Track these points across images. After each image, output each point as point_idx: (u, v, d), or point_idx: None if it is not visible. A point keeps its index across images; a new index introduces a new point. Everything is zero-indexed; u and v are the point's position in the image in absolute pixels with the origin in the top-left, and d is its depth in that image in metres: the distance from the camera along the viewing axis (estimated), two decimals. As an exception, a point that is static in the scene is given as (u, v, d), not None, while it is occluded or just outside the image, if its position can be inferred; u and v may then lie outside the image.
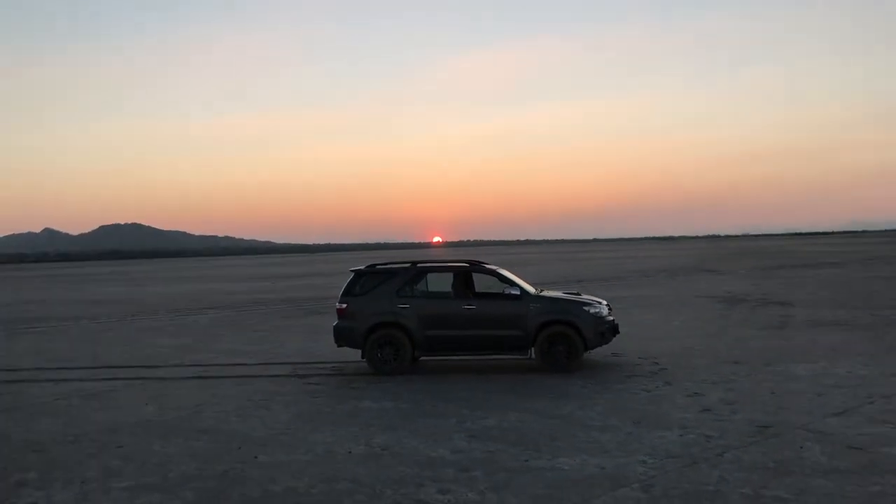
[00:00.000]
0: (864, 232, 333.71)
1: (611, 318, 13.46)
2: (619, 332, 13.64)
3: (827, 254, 68.57)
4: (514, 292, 13.19)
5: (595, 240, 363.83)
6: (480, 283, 14.25)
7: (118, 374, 14.47)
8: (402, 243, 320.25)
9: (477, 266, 13.92)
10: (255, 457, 8.52)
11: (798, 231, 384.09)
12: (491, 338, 13.20)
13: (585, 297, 13.90)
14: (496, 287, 13.76)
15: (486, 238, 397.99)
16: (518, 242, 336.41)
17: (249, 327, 22.24)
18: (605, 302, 13.67)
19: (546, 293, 13.81)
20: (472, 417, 9.99)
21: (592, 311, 13.17)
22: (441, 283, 13.88)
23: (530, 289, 13.60)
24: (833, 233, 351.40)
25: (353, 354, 14.10)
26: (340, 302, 13.71)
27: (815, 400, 10.37)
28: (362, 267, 14.22)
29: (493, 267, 13.97)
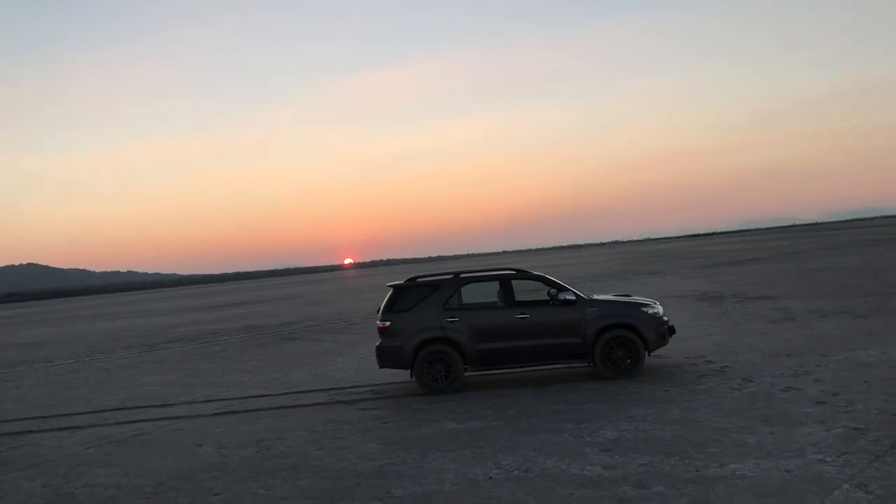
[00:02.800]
0: (754, 230, 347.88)
1: (666, 318, 13.03)
2: (675, 333, 13.20)
3: (741, 251, 70.56)
4: (569, 297, 12.61)
5: (505, 252, 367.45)
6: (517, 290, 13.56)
7: (131, 417, 13.18)
8: (314, 267, 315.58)
9: (524, 273, 13.27)
10: (389, 492, 7.62)
11: (695, 232, 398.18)
12: (548, 347, 12.56)
13: (638, 297, 13.43)
14: (533, 294, 13.15)
15: (397, 256, 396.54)
16: (430, 259, 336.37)
17: (231, 358, 20.91)
18: (658, 302, 13.23)
19: (598, 296, 13.26)
20: (584, 430, 9.33)
21: (651, 311, 12.72)
22: (481, 293, 13.16)
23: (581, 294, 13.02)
24: (726, 232, 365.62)
25: (382, 375, 13.24)
26: (382, 320, 12.82)
27: (919, 384, 10.14)
28: (401, 281, 13.37)
29: (540, 273, 13.34)
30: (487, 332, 12.56)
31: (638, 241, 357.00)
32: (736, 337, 15.93)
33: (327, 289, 75.80)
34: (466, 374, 12.82)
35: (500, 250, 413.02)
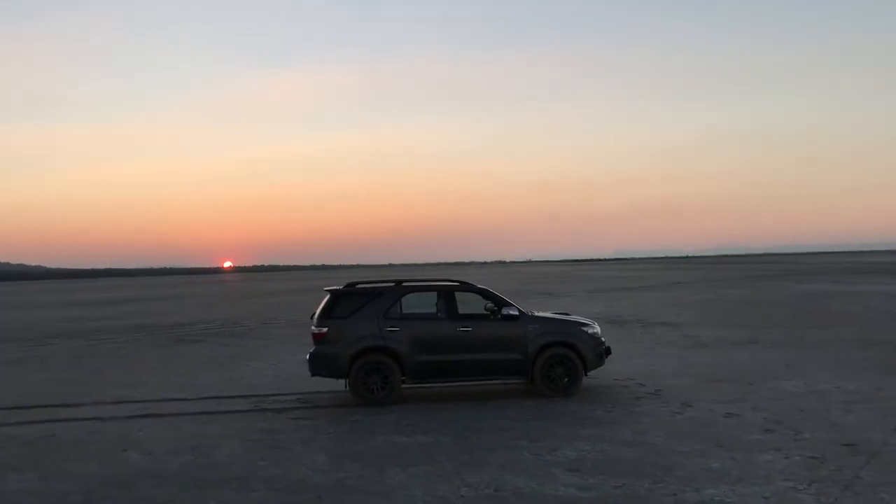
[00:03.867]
0: (630, 259, 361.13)
1: (604, 339, 13.07)
2: (611, 353, 13.25)
3: (627, 278, 72.73)
4: (512, 312, 12.46)
5: (391, 265, 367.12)
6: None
7: (35, 417, 12.13)
8: (191, 268, 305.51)
9: (467, 285, 13.04)
10: (357, 508, 7.18)
11: (575, 258, 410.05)
12: (489, 362, 12.36)
13: (577, 317, 13.43)
14: (471, 307, 12.94)
15: (280, 262, 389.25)
16: (315, 267, 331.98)
17: (128, 358, 19.74)
18: (595, 322, 13.26)
19: (539, 313, 13.18)
20: (541, 449, 9.14)
21: (590, 331, 12.73)
22: (422, 303, 12.85)
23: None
24: (604, 259, 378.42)
25: (305, 384, 12.92)
26: (318, 326, 12.30)
27: (856, 414, 10.48)
28: (339, 287, 12.88)
29: (483, 287, 13.13)
30: (428, 344, 12.25)
31: (522, 262, 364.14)
32: (656, 360, 16.20)
33: (211, 291, 73.48)
34: (403, 385, 12.43)
35: (386, 262, 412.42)
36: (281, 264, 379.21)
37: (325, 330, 12.21)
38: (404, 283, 12.82)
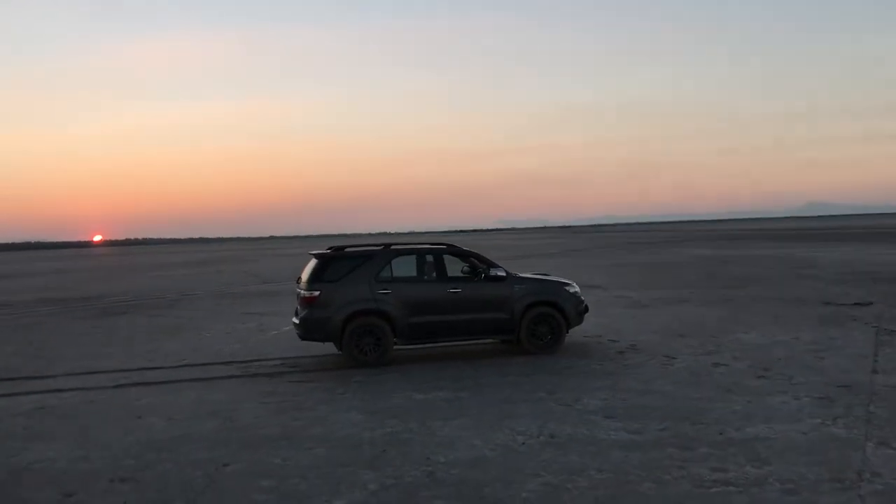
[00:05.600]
0: (513, 229, 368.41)
1: (583, 297, 13.60)
2: (588, 311, 13.81)
3: (531, 246, 74.40)
4: (499, 274, 12.78)
5: (273, 237, 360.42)
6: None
7: (8, 389, 11.60)
8: (58, 242, 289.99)
9: (454, 248, 13.26)
10: (428, 458, 7.37)
11: (458, 228, 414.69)
12: (478, 321, 12.67)
13: (556, 277, 13.91)
14: (451, 270, 13.19)
15: (153, 236, 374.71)
16: (192, 241, 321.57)
17: (64, 331, 18.94)
18: (575, 283, 13.77)
19: (523, 274, 13.57)
20: (565, 400, 9.52)
21: (571, 290, 13.23)
22: (410, 266, 12.98)
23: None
24: (488, 230, 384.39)
25: (277, 349, 13.13)
26: (309, 289, 12.24)
27: (829, 361, 11.37)
28: (326, 250, 12.84)
29: (470, 249, 13.39)
30: (419, 306, 12.42)
31: (405, 232, 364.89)
32: (610, 320, 16.89)
33: (92, 265, 70.30)
34: (395, 347, 12.57)
35: (266, 235, 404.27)
36: (155, 237, 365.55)
37: (316, 294, 12.17)
38: (393, 247, 12.90)
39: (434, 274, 12.80)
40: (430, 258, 12.91)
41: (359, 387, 10.85)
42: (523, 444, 7.73)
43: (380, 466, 7.14)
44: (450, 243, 13.62)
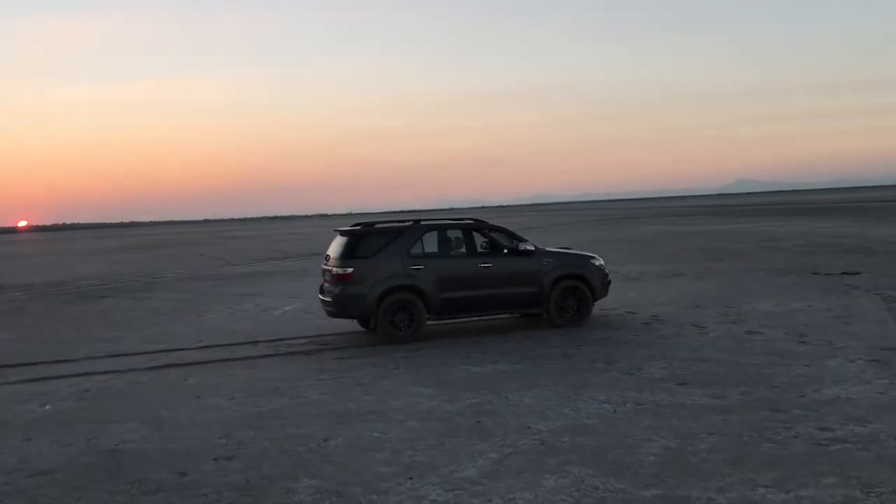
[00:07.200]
0: (456, 208, 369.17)
1: (607, 270, 13.78)
2: (611, 284, 13.99)
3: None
4: (528, 248, 12.84)
5: (206, 220, 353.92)
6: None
7: (38, 374, 11.24)
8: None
9: (482, 223, 13.26)
10: (528, 427, 7.41)
11: (399, 209, 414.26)
12: (509, 296, 12.73)
13: (579, 251, 14.06)
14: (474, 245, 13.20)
15: (84, 221, 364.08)
16: (124, 224, 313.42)
17: (54, 315, 18.39)
18: (598, 256, 13.93)
19: (550, 248, 13.66)
20: (626, 369, 9.66)
21: (597, 263, 13.38)
22: (440, 241, 12.93)
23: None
24: (430, 209, 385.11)
25: (297, 328, 13.39)
26: (342, 266, 12.10)
27: (857, 326, 11.74)
28: (357, 227, 12.71)
29: (498, 224, 13.44)
30: (452, 281, 12.42)
31: (342, 214, 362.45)
32: (616, 294, 17.00)
33: (30, 251, 68.04)
34: (427, 322, 12.55)
35: (200, 218, 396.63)
36: (84, 223, 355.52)
37: (350, 270, 12.04)
38: (422, 222, 12.85)
39: (463, 249, 12.79)
40: (459, 233, 12.89)
41: (408, 362, 10.81)
42: (615, 411, 7.82)
43: (486, 437, 7.15)
44: (476, 218, 13.60)
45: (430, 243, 12.66)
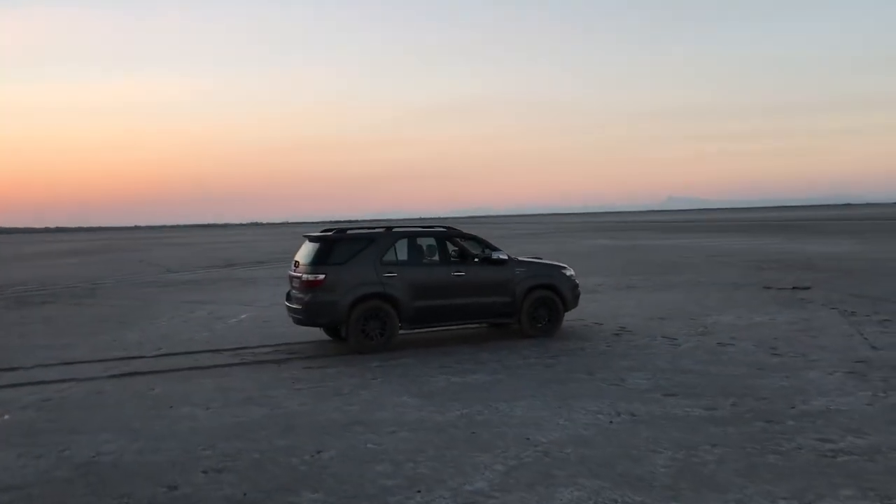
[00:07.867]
0: (398, 219, 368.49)
1: (577, 281, 13.74)
2: (580, 295, 13.95)
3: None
4: (501, 257, 12.70)
5: (137, 227, 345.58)
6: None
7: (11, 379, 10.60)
8: None
9: (455, 231, 13.06)
10: (527, 438, 7.25)
11: (339, 218, 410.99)
12: (482, 305, 12.56)
13: (550, 261, 13.98)
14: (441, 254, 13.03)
15: (7, 225, 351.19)
16: (47, 230, 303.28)
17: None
18: (569, 266, 13.87)
19: (522, 258, 13.54)
20: (609, 380, 9.58)
21: (568, 273, 13.32)
22: (413, 249, 12.71)
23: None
24: (373, 220, 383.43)
25: (256, 337, 13.25)
26: (313, 273, 11.75)
27: (824, 339, 11.91)
28: (328, 232, 12.38)
29: (471, 233, 13.27)
30: (425, 289, 12.19)
31: (276, 223, 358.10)
32: (580, 305, 17.08)
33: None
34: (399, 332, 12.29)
35: (131, 224, 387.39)
36: (8, 226, 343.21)
37: (321, 277, 11.70)
38: (395, 229, 12.60)
39: (436, 257, 12.59)
40: (432, 241, 12.68)
41: (384, 372, 10.54)
42: (611, 423, 7.70)
43: (486, 448, 6.95)
44: (449, 226, 13.41)
45: (403, 251, 12.42)
